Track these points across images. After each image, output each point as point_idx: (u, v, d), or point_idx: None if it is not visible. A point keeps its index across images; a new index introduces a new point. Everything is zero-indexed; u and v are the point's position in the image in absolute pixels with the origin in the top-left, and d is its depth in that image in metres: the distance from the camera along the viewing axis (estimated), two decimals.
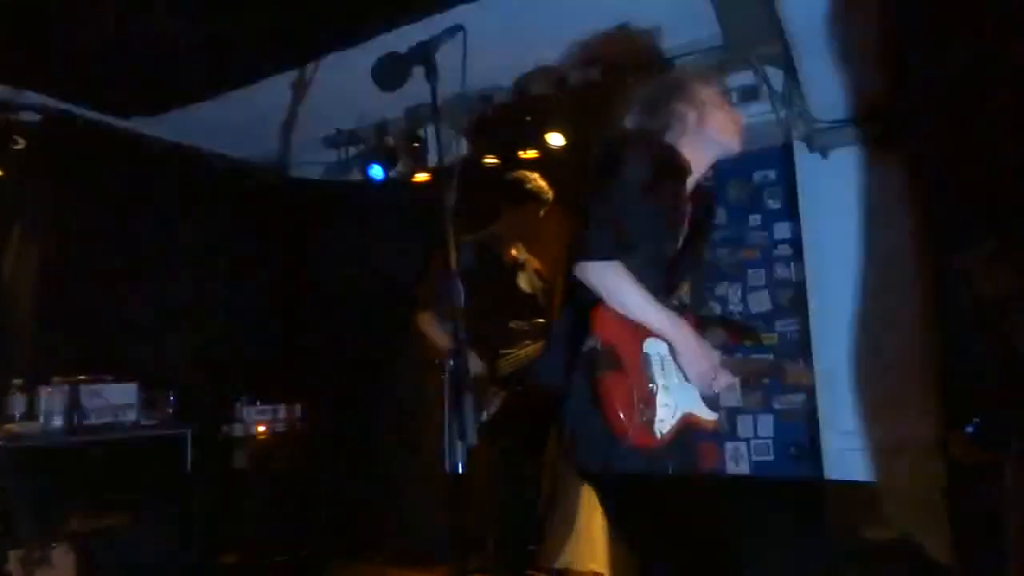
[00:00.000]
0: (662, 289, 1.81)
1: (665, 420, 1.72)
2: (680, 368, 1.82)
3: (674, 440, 1.74)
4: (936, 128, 3.37)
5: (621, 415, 1.62)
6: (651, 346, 1.77)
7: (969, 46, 3.22)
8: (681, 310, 1.86)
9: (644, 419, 1.66)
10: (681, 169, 1.91)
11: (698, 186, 1.99)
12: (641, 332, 1.75)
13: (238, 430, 4.25)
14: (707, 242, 2.15)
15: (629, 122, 1.95)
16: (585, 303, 1.71)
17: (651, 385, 1.72)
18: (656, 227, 1.80)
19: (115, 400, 3.66)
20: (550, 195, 3.28)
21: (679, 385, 1.81)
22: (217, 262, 4.42)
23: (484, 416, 3.00)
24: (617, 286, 1.69)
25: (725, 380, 1.87)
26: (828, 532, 3.57)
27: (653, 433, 1.68)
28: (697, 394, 1.86)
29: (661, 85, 1.99)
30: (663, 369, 1.78)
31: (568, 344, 1.75)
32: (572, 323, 1.78)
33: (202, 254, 4.36)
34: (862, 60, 2.91)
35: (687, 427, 1.80)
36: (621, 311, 1.71)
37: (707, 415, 1.87)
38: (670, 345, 1.79)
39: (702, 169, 1.96)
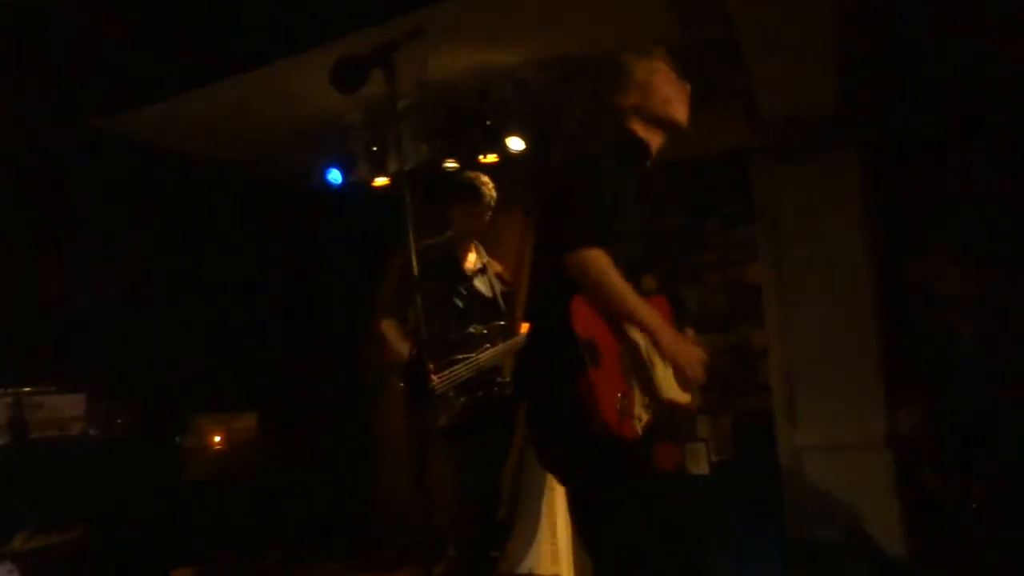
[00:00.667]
0: (634, 276, 1.81)
1: (645, 415, 1.72)
2: (657, 356, 1.81)
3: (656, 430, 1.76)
4: (886, 133, 3.48)
5: (607, 410, 1.61)
6: (626, 338, 1.77)
7: (920, 52, 3.33)
8: (648, 295, 1.86)
9: (626, 413, 1.65)
10: (642, 152, 1.93)
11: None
12: (615, 323, 1.75)
13: (192, 441, 4.13)
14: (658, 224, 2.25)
15: (581, 114, 2.02)
16: (559, 298, 1.69)
17: (630, 379, 1.72)
18: (631, 213, 1.80)
19: (61, 412, 3.52)
20: (489, 192, 3.26)
21: (657, 374, 1.81)
22: (170, 266, 4.29)
23: (444, 421, 2.98)
24: (606, 275, 1.68)
25: (699, 355, 1.88)
26: (786, 530, 3.63)
27: (635, 427, 1.68)
28: (672, 378, 1.86)
29: (602, 71, 2.02)
30: (641, 360, 1.78)
31: (547, 341, 1.74)
32: (547, 319, 1.77)
33: (154, 258, 4.23)
34: (814, 62, 2.96)
35: (673, 415, 1.83)
36: (606, 301, 1.70)
37: (683, 397, 1.89)
38: (649, 335, 1.78)
39: (655, 148, 1.99)
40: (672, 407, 1.84)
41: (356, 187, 4.27)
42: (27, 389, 3.47)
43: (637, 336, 1.76)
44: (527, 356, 1.84)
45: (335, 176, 4.27)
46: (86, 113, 3.74)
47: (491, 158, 3.95)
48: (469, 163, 3.93)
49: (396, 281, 3.17)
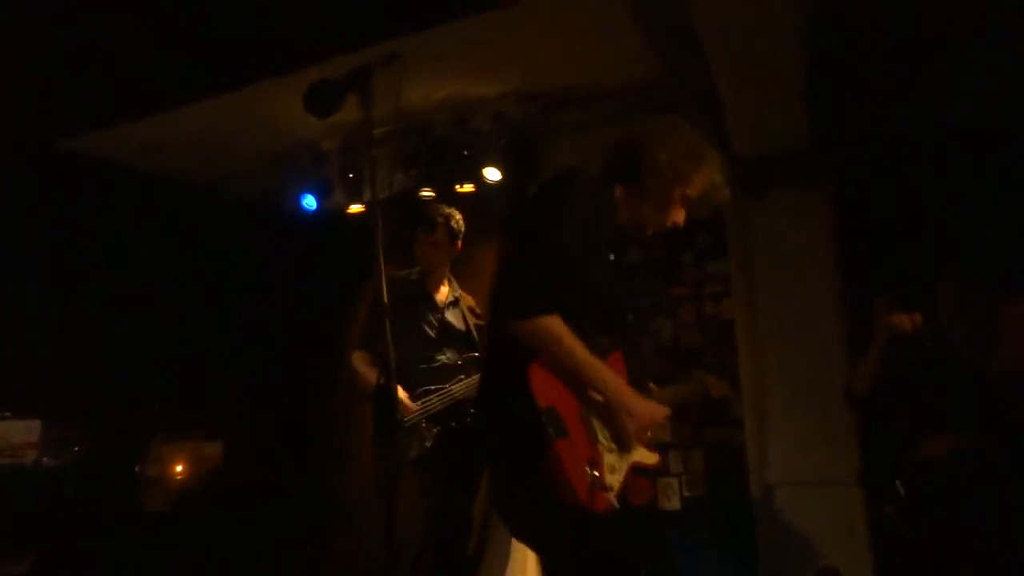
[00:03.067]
0: (590, 337, 1.72)
1: (615, 481, 1.66)
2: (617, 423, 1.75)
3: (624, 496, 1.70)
4: (856, 173, 3.55)
5: (578, 485, 1.53)
6: (588, 403, 1.70)
7: (886, 97, 3.43)
8: (606, 352, 1.80)
9: (597, 485, 1.58)
10: (611, 225, 1.85)
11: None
12: (575, 388, 1.67)
13: (153, 469, 4.00)
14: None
15: (596, 164, 1.91)
16: (515, 367, 1.60)
17: (597, 445, 1.65)
18: (589, 275, 1.74)
19: (15, 439, 3.40)
20: (446, 222, 3.24)
21: (621, 439, 1.75)
22: (134, 289, 4.19)
23: (414, 452, 2.94)
24: (562, 341, 1.59)
25: (662, 414, 1.81)
26: (758, 566, 3.60)
27: (608, 499, 1.60)
28: (634, 438, 1.81)
29: (639, 131, 1.94)
30: (603, 426, 1.72)
31: (508, 412, 1.64)
32: (505, 390, 1.67)
33: (116, 280, 4.13)
34: (786, 101, 3.03)
35: (640, 477, 1.78)
36: (565, 367, 1.62)
37: (649, 458, 1.84)
38: (610, 400, 1.70)
39: (661, 224, 1.91)
40: (640, 468, 1.79)
41: (331, 214, 4.23)
42: None
43: (599, 398, 1.70)
44: (488, 427, 1.74)
45: (310, 202, 4.23)
46: (53, 134, 3.68)
47: (468, 188, 3.96)
48: (446, 192, 3.92)
49: (367, 311, 3.14)
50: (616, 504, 1.61)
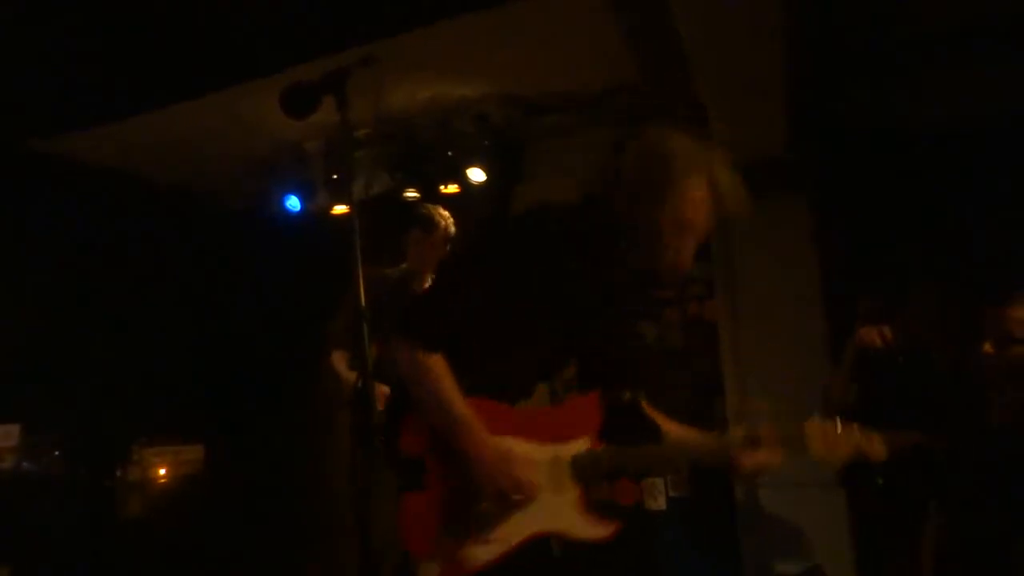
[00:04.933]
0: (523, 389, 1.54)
1: (493, 543, 1.44)
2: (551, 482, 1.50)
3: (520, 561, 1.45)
4: (834, 178, 3.58)
5: (416, 544, 1.43)
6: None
7: (864, 103, 3.46)
8: (559, 399, 1.58)
9: (452, 546, 1.42)
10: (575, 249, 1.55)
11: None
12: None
13: (135, 473, 3.96)
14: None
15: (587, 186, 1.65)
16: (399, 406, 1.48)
17: (477, 504, 1.44)
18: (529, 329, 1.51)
19: None
20: (442, 223, 3.23)
21: (536, 502, 1.48)
22: (112, 293, 4.15)
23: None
24: (425, 377, 1.44)
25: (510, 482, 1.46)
26: (743, 566, 3.61)
27: (461, 565, 1.42)
28: (570, 502, 1.52)
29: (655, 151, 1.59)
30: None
31: (377, 448, 1.50)
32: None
33: (97, 284, 4.09)
34: (766, 107, 3.04)
35: (541, 549, 1.49)
36: (424, 411, 1.45)
37: (585, 531, 1.52)
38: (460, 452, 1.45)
39: (661, 264, 1.55)
40: (562, 539, 1.50)
41: (312, 215, 4.21)
42: None
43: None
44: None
45: (293, 203, 4.21)
46: (26, 133, 3.64)
47: (452, 188, 3.95)
48: (430, 193, 3.92)
49: (348, 312, 3.13)
50: (473, 567, 1.41)
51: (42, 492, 3.48)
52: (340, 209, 4.21)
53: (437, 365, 1.44)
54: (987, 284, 2.47)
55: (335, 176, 4.11)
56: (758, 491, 3.57)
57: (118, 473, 3.88)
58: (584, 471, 1.52)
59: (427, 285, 3.30)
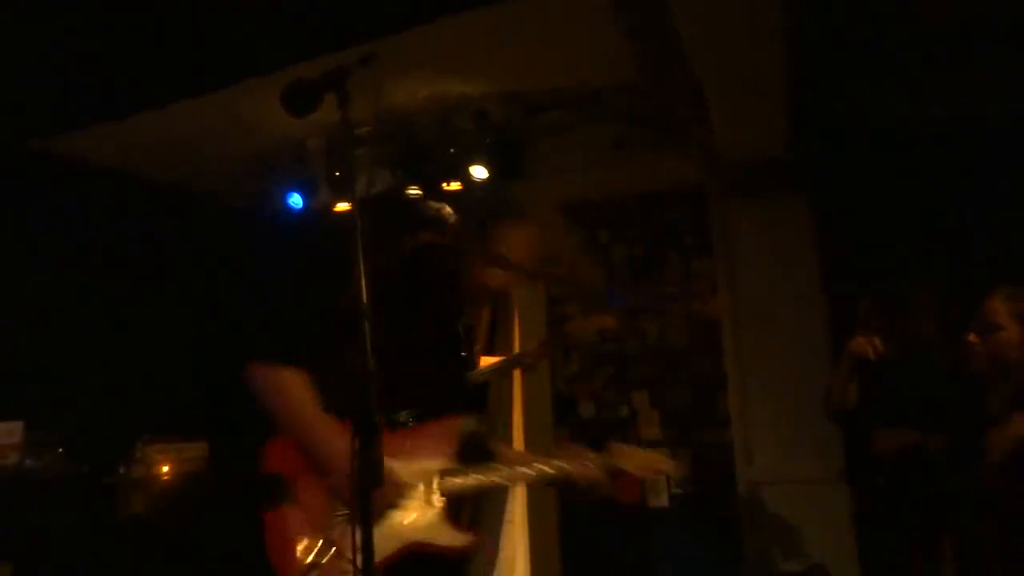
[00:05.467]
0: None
1: (345, 569, 1.44)
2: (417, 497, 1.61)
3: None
4: (835, 176, 3.58)
5: (283, 557, 1.46)
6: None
7: (865, 102, 3.46)
8: (403, 427, 1.67)
9: (315, 562, 1.45)
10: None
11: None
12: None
13: (138, 471, 3.96)
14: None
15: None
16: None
17: (330, 526, 1.49)
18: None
19: None
20: (453, 222, 3.24)
21: (396, 512, 1.58)
22: (115, 290, 4.15)
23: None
24: (282, 395, 1.52)
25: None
26: (745, 563, 3.62)
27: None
28: (440, 518, 1.63)
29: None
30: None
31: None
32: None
33: (99, 282, 4.09)
34: (767, 106, 3.04)
35: (412, 560, 1.57)
36: (284, 426, 1.53)
37: (449, 540, 1.63)
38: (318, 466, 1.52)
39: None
40: (429, 548, 1.59)
41: (315, 213, 4.22)
42: None
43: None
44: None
45: (296, 201, 4.21)
46: (26, 133, 3.64)
47: (455, 186, 3.95)
48: (432, 190, 3.92)
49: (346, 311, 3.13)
50: None
51: (44, 489, 3.49)
52: (342, 206, 4.21)
53: (293, 379, 1.53)
54: (987, 284, 2.47)
55: (337, 174, 4.11)
56: (760, 488, 3.58)
57: (121, 470, 3.89)
58: (450, 486, 1.65)
59: None
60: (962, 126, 3.26)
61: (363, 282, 1.58)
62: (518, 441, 3.96)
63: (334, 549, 1.47)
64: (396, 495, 1.56)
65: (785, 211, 3.62)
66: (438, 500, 1.64)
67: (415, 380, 1.69)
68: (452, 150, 3.83)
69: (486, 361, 3.26)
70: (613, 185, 4.28)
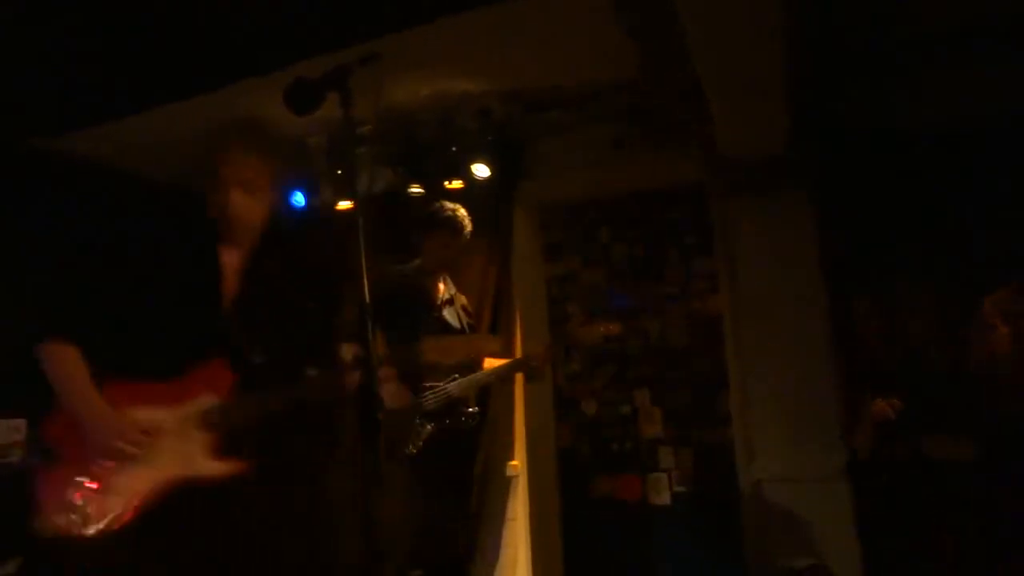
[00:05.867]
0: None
1: (110, 505, 1.71)
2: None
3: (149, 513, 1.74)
4: (835, 174, 3.59)
5: (51, 509, 1.68)
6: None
7: (867, 100, 3.47)
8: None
9: (79, 513, 1.68)
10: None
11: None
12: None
13: None
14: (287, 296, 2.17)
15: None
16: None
17: (87, 474, 1.72)
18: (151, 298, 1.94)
19: (1, 438, 3.38)
20: (468, 225, 3.27)
21: (154, 453, 1.79)
22: (118, 286, 4.15)
23: (411, 448, 2.95)
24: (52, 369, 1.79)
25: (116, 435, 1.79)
26: (746, 561, 3.62)
27: (85, 526, 1.68)
28: (195, 449, 1.83)
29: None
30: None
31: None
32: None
33: (100, 278, 4.09)
34: (768, 103, 3.05)
35: (177, 492, 1.79)
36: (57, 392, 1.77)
37: (206, 469, 1.84)
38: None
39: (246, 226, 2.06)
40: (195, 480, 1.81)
41: (317, 211, 4.22)
42: None
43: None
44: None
45: (298, 199, 4.22)
46: (27, 132, 3.66)
47: (456, 184, 3.96)
48: (434, 189, 3.93)
49: (354, 307, 3.14)
50: (89, 531, 1.68)
51: None
52: (344, 205, 4.22)
53: (62, 353, 1.82)
54: (987, 284, 2.50)
55: (339, 172, 4.12)
56: (762, 485, 3.58)
57: None
58: (212, 419, 1.85)
59: (441, 284, 3.33)
60: (962, 126, 3.27)
61: (366, 280, 1.60)
62: (519, 441, 3.97)
63: (98, 498, 1.69)
64: (124, 434, 1.76)
65: (786, 210, 3.62)
66: (197, 436, 1.84)
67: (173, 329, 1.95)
68: (454, 148, 3.84)
69: (491, 363, 3.27)
70: (613, 184, 4.29)
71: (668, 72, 3.28)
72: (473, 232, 3.38)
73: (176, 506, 1.78)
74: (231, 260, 2.06)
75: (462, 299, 3.44)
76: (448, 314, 3.29)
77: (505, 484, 3.84)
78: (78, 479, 1.71)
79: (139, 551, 1.74)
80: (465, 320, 3.36)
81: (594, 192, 4.49)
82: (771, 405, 3.61)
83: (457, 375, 3.08)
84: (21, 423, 3.48)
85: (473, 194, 3.80)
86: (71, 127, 3.64)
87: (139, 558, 1.74)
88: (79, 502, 1.69)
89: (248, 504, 1.93)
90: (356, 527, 1.70)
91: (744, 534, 3.69)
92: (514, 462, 3.89)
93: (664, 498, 4.19)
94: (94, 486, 1.71)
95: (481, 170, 3.87)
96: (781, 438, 3.57)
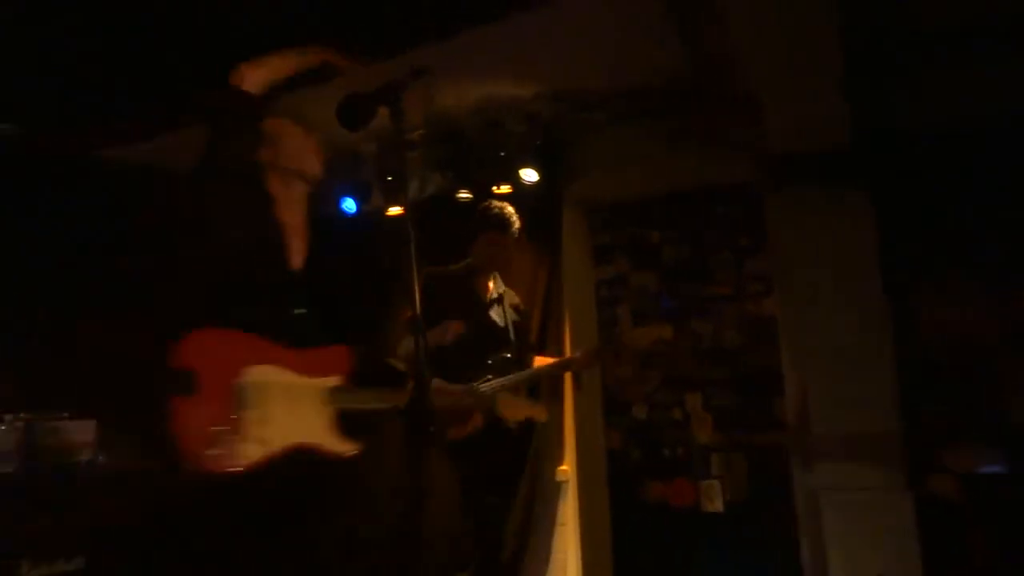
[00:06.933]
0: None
1: (248, 452, 1.73)
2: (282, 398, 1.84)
3: (274, 468, 1.77)
4: (898, 169, 3.46)
5: (187, 443, 1.65)
6: (257, 375, 1.81)
7: (931, 89, 3.34)
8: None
9: (217, 450, 1.69)
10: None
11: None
12: (245, 360, 1.80)
13: None
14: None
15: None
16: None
17: (234, 416, 1.74)
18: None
19: (71, 438, 3.53)
20: (517, 223, 3.29)
21: (289, 415, 1.84)
22: (182, 291, 4.29)
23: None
24: None
25: None
26: (801, 571, 3.54)
27: (228, 463, 1.70)
28: (324, 423, 1.92)
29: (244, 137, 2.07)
30: (265, 398, 1.80)
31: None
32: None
33: (164, 284, 4.24)
34: (824, 95, 2.97)
35: (300, 456, 1.84)
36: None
37: (332, 446, 1.92)
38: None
39: (293, 201, 2.11)
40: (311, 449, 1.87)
41: (369, 217, 4.29)
42: (39, 414, 3.49)
43: (256, 376, 1.79)
44: None
45: (349, 205, 4.30)
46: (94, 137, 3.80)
47: (505, 189, 3.97)
48: (483, 193, 3.95)
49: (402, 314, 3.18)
50: (229, 468, 1.71)
51: (117, 484, 3.64)
52: (395, 210, 4.28)
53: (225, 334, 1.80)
54: None
55: (389, 178, 4.18)
56: (819, 495, 3.48)
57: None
58: (338, 400, 1.95)
59: (490, 283, 3.36)
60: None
61: (417, 286, 1.63)
62: (569, 445, 3.95)
63: (235, 440, 1.72)
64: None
65: (843, 205, 3.51)
66: (325, 411, 1.93)
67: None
68: (502, 153, 3.85)
69: (540, 362, 3.29)
70: (663, 184, 4.23)
71: (718, 68, 3.22)
72: (522, 236, 3.39)
73: (283, 472, 1.83)
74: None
75: (514, 297, 3.45)
76: (494, 313, 3.32)
77: (555, 489, 3.83)
78: (219, 416, 1.73)
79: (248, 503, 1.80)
80: (511, 318, 3.37)
81: (644, 193, 4.44)
82: (828, 411, 3.51)
83: (490, 376, 3.09)
84: (91, 424, 3.62)
85: (521, 198, 3.81)
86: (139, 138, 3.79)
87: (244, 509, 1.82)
88: (221, 439, 1.71)
89: (345, 487, 2.02)
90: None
91: (801, 546, 3.60)
92: (564, 467, 3.88)
93: (717, 505, 4.12)
94: (230, 428, 1.74)
95: (529, 175, 3.88)
96: (839, 445, 3.46)
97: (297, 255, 2.11)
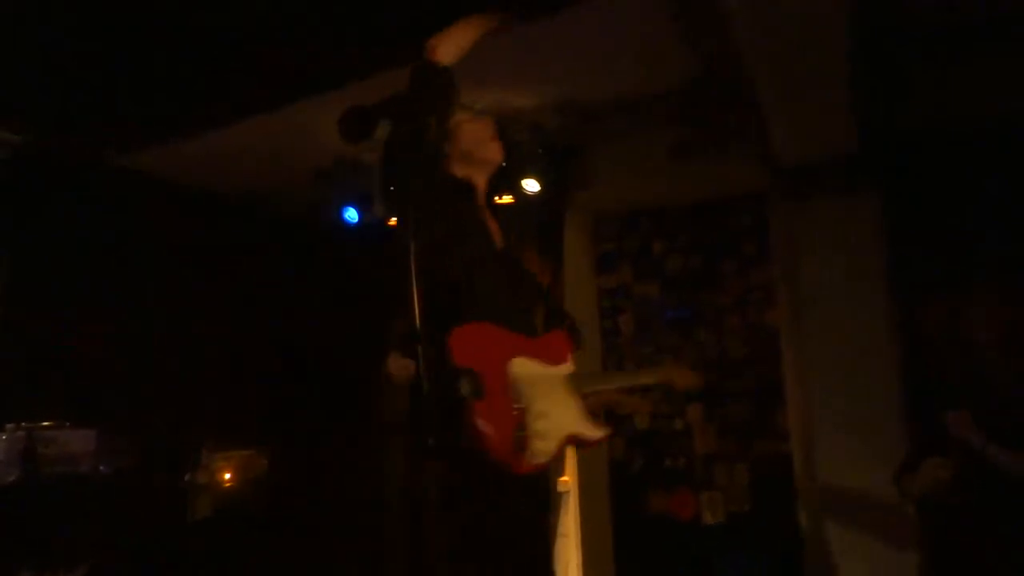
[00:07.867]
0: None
1: (542, 448, 1.69)
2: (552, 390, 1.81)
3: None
4: (899, 178, 3.45)
5: (498, 450, 1.60)
6: (519, 367, 1.75)
7: (937, 97, 3.33)
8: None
9: (517, 445, 1.63)
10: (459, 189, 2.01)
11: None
12: (506, 352, 1.74)
13: (203, 477, 4.10)
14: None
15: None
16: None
17: (516, 408, 1.69)
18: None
19: (72, 448, 3.52)
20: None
21: (556, 406, 1.79)
22: (182, 301, 4.31)
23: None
24: None
25: None
26: None
27: (530, 461, 1.66)
28: (579, 411, 1.86)
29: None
30: (534, 391, 1.75)
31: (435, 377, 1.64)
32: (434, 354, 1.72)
33: (167, 294, 4.26)
34: (831, 104, 2.96)
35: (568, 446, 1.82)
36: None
37: (591, 432, 1.87)
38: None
39: (482, 185, 2.11)
40: (580, 441, 1.85)
41: (371, 227, 4.29)
42: (40, 423, 3.48)
43: (519, 369, 1.74)
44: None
45: (351, 215, 4.30)
46: (105, 148, 3.82)
47: (507, 199, 3.96)
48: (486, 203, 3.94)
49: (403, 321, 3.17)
50: (539, 466, 1.68)
51: (118, 493, 3.63)
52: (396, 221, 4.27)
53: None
54: None
55: (392, 187, 4.17)
56: (824, 506, 3.46)
57: (187, 477, 4.03)
58: (582, 386, 1.93)
59: None
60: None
61: (415, 301, 1.62)
62: (570, 455, 3.93)
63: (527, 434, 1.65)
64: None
65: (849, 215, 3.50)
66: (576, 398, 1.87)
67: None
68: (504, 164, 3.85)
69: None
70: (668, 193, 4.23)
71: (723, 78, 3.22)
72: (524, 244, 3.38)
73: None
74: None
75: None
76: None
77: (556, 499, 3.81)
78: (507, 416, 1.66)
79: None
80: None
81: (648, 202, 4.43)
82: (833, 422, 3.49)
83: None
84: (92, 434, 3.62)
85: (523, 208, 3.80)
86: (145, 144, 3.80)
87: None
88: (523, 439, 1.65)
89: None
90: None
91: (804, 555, 3.57)
92: (565, 477, 3.86)
93: (719, 516, 4.09)
94: (524, 427, 1.68)
95: (531, 185, 3.87)
96: (843, 455, 3.44)
97: (497, 238, 2.05)
